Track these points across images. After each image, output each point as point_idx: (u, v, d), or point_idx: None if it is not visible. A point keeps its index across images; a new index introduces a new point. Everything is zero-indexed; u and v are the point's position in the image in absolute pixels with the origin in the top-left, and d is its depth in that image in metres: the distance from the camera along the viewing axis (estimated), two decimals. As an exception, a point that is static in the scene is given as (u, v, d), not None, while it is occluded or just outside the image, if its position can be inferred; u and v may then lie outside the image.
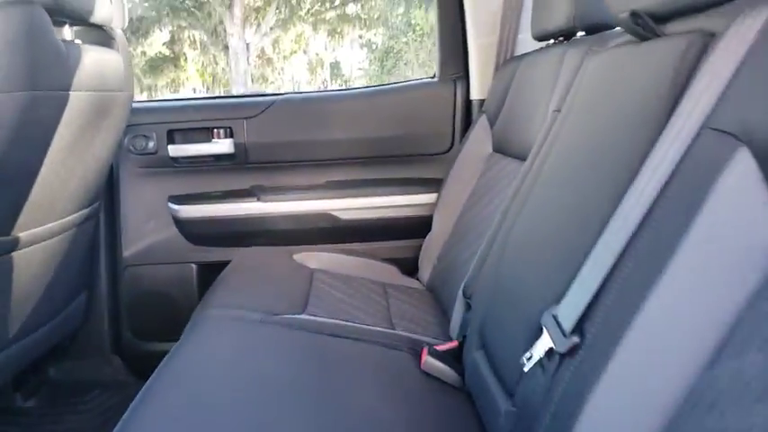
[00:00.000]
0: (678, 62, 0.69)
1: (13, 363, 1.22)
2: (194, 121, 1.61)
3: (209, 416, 0.75)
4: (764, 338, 0.46)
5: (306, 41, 16.20)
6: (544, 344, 0.69)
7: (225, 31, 15.48)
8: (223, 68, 17.48)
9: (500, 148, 1.38)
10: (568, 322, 0.66)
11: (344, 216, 1.63)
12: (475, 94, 1.63)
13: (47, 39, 1.03)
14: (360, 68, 16.00)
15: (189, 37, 16.97)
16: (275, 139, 1.63)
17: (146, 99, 1.57)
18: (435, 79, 1.70)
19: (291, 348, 0.98)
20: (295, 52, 17.18)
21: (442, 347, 1.03)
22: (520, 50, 1.55)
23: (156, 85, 17.08)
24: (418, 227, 1.60)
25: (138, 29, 14.61)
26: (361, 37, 15.64)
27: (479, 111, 1.58)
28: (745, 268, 0.52)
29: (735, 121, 0.58)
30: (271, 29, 16.69)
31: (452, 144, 1.66)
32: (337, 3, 14.61)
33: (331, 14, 14.89)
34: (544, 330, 0.70)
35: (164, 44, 16.98)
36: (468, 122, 1.64)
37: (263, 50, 16.74)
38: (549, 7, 1.19)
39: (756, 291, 0.50)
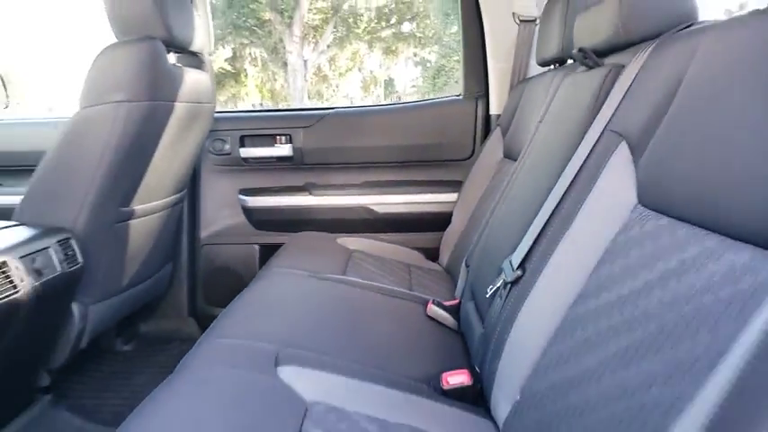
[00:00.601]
0: (599, 85, 1.01)
1: (118, 309, 1.62)
2: (261, 128, 2.01)
3: (267, 335, 1.09)
4: (606, 280, 0.76)
5: (361, 59, 16.67)
6: (501, 278, 1.02)
7: (284, 48, 16.19)
8: (282, 84, 18.24)
9: (508, 155, 1.70)
10: (516, 261, 0.99)
11: (380, 210, 1.98)
12: (493, 110, 1.96)
13: (162, 63, 1.44)
14: (413, 86, 16.36)
15: (250, 54, 17.84)
16: (325, 145, 2.01)
17: (224, 110, 1.93)
18: (460, 97, 2.04)
19: (331, 296, 1.33)
20: (350, 69, 17.75)
21: (445, 302, 1.36)
22: (531, 74, 1.86)
23: (217, 100, 18.00)
24: (441, 221, 1.93)
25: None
26: (415, 55, 15.94)
27: (496, 124, 1.90)
28: (615, 219, 0.83)
29: (620, 124, 0.91)
30: (328, 47, 17.28)
31: (473, 152, 1.99)
32: (393, 21, 14.88)
33: (386, 33, 15.17)
34: (503, 268, 1.02)
35: (226, 60, 17.94)
36: (486, 134, 1.96)
37: (319, 68, 17.39)
38: (546, 39, 1.52)
39: (612, 238, 0.81)
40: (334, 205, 1.99)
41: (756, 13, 0.73)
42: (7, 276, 1.10)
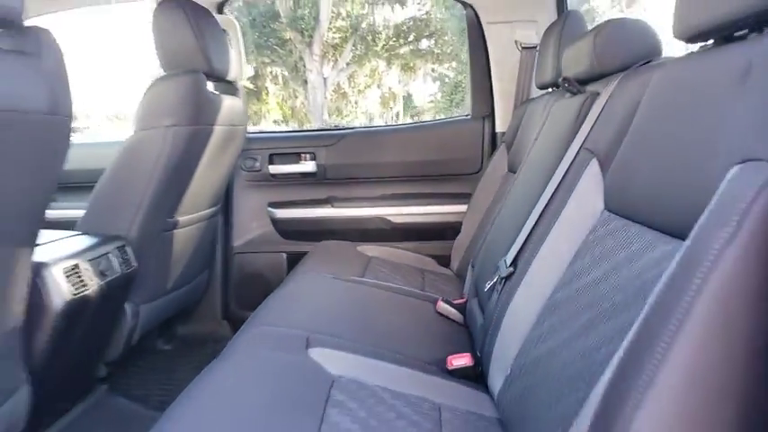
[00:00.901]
0: (577, 109, 1.20)
1: (163, 310, 1.82)
2: (288, 147, 2.22)
3: (298, 324, 1.28)
4: (577, 272, 0.94)
5: (380, 76, 16.92)
6: (497, 275, 1.20)
7: (304, 66, 16.52)
8: (302, 102, 18.58)
9: (511, 168, 1.88)
10: (509, 260, 1.17)
11: (395, 220, 2.17)
12: (499, 128, 2.15)
13: (203, 92, 1.66)
14: (431, 101, 16.57)
15: (271, 72, 18.24)
16: (346, 161, 2.21)
17: (255, 131, 2.15)
18: (469, 117, 2.23)
19: (352, 294, 1.52)
20: (369, 86, 18.03)
21: (453, 300, 1.54)
22: (533, 95, 2.05)
23: (242, 119, 18.41)
24: (452, 230, 2.11)
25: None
26: (433, 71, 16.14)
27: (501, 141, 2.09)
28: (586, 222, 1.01)
29: (592, 143, 1.09)
30: (347, 64, 17.56)
31: (481, 166, 2.17)
32: (411, 38, 15.07)
33: (405, 50, 15.35)
34: (499, 267, 1.20)
35: (248, 79, 18.32)
36: (493, 150, 2.15)
37: (338, 85, 17.70)
38: (543, 66, 1.70)
39: (584, 238, 0.99)
40: (353, 216, 2.19)
41: (691, 54, 0.91)
42: (79, 276, 1.31)
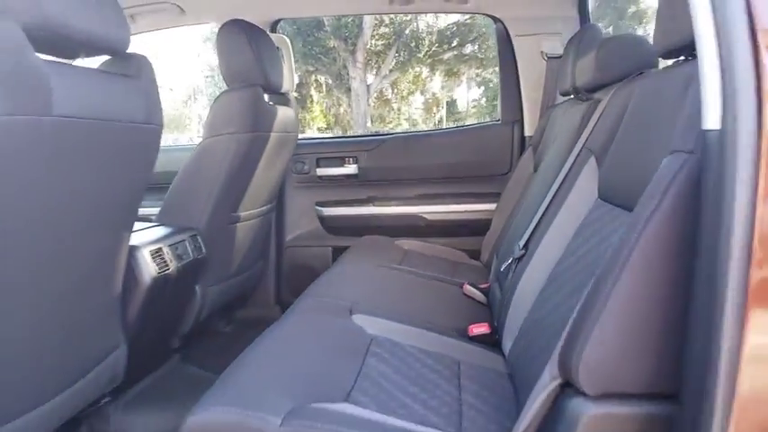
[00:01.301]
0: (582, 114, 1.42)
1: (226, 293, 2.11)
2: (333, 152, 2.49)
3: (343, 297, 1.54)
4: (572, 250, 1.16)
5: (423, 82, 17.09)
6: (512, 256, 1.42)
7: (348, 74, 16.86)
8: (345, 110, 18.93)
9: (536, 169, 2.09)
10: (522, 243, 1.40)
11: (430, 217, 2.41)
12: (527, 132, 2.36)
13: (261, 103, 1.94)
14: (474, 106, 16.64)
15: (315, 80, 18.69)
16: (385, 164, 2.47)
17: (304, 137, 2.42)
18: (499, 122, 2.45)
19: (389, 276, 1.77)
20: (412, 93, 18.24)
21: (479, 284, 1.76)
22: (558, 101, 2.25)
23: (286, 126, 18.97)
24: (482, 226, 2.33)
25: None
26: (477, 75, 16.20)
27: (528, 144, 2.30)
28: (583, 210, 1.23)
29: (592, 143, 1.31)
30: (390, 71, 17.78)
31: (510, 168, 2.39)
32: (455, 44, 15.14)
33: (448, 55, 15.45)
34: (514, 250, 1.43)
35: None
36: (521, 152, 2.36)
37: (381, 92, 17.97)
38: (563, 76, 1.91)
39: (581, 223, 1.21)
40: (392, 214, 2.44)
41: (665, 68, 1.12)
42: (162, 258, 1.61)
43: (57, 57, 1.12)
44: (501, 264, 1.60)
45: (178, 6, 2.24)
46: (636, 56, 1.37)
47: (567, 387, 0.86)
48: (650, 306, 0.77)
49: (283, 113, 2.09)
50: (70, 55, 1.18)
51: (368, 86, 18.03)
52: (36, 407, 1.14)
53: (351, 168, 2.48)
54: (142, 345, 1.61)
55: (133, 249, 1.52)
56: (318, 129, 18.15)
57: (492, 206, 2.35)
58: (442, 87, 17.57)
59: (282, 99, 2.21)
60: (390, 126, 17.79)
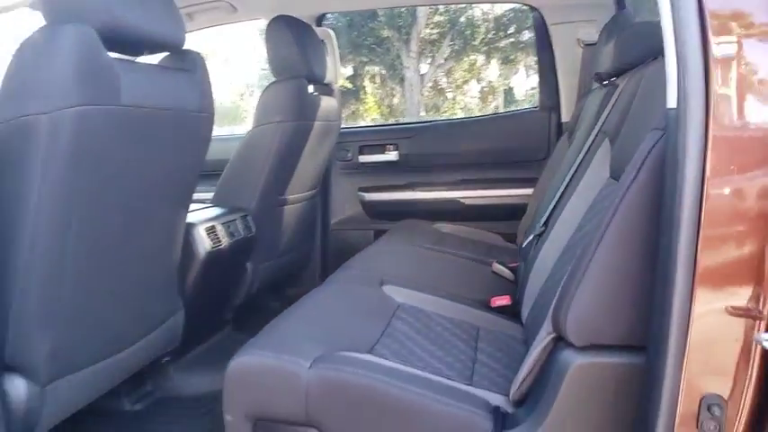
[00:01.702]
0: (601, 99, 1.52)
1: (275, 271, 2.31)
2: (375, 140, 2.65)
3: (376, 270, 1.69)
4: (582, 225, 1.28)
5: (478, 70, 16.94)
6: (533, 233, 1.54)
7: (401, 64, 16.91)
8: (399, 100, 18.97)
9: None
10: (542, 221, 1.52)
11: (468, 202, 2.54)
12: (564, 118, 2.44)
13: (305, 94, 2.12)
14: (531, 94, 16.38)
15: (369, 71, 18.84)
16: (425, 151, 2.61)
17: (346, 126, 2.59)
18: (537, 108, 2.54)
19: (421, 254, 1.92)
20: (467, 81, 18.12)
21: (508, 263, 1.88)
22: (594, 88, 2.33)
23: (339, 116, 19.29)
24: (519, 210, 2.43)
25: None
26: (536, 63, 15.89)
27: (565, 129, 2.38)
28: (596, 188, 1.33)
29: (607, 126, 1.41)
30: (445, 60, 17.71)
31: (547, 154, 2.48)
32: (512, 31, 14.92)
33: (505, 42, 15.23)
34: (536, 227, 1.55)
35: (347, 78, 19.06)
36: (558, 138, 2.45)
37: (435, 82, 17.94)
38: (596, 62, 2.00)
39: (593, 199, 1.32)
40: (431, 199, 2.58)
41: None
42: (216, 235, 1.81)
43: (124, 54, 1.32)
44: (526, 241, 1.71)
45: (230, 4, 2.44)
46: (652, 42, 1.46)
47: (559, 341, 0.99)
48: (626, 268, 0.89)
49: (326, 103, 2.26)
50: (136, 53, 1.38)
51: (421, 76, 18.00)
52: (111, 355, 1.36)
53: (392, 155, 2.63)
54: (198, 313, 1.82)
55: (190, 226, 1.73)
56: (372, 120, 18.31)
57: (529, 191, 2.45)
58: (499, 75, 17.36)
59: (326, 89, 2.39)
60: (445, 116, 17.77)
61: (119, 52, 1.30)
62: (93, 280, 1.26)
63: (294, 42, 2.05)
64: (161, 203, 1.45)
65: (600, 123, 1.46)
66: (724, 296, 0.75)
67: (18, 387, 1.14)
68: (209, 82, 1.54)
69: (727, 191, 0.74)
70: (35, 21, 1.25)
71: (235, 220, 1.95)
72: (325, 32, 2.53)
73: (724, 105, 0.74)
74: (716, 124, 0.73)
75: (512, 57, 15.49)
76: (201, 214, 1.86)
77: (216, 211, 1.95)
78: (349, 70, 20.20)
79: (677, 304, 0.76)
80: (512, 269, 1.86)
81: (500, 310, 1.54)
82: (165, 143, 1.38)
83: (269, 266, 2.21)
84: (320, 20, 2.61)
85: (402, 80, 18.01)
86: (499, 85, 17.63)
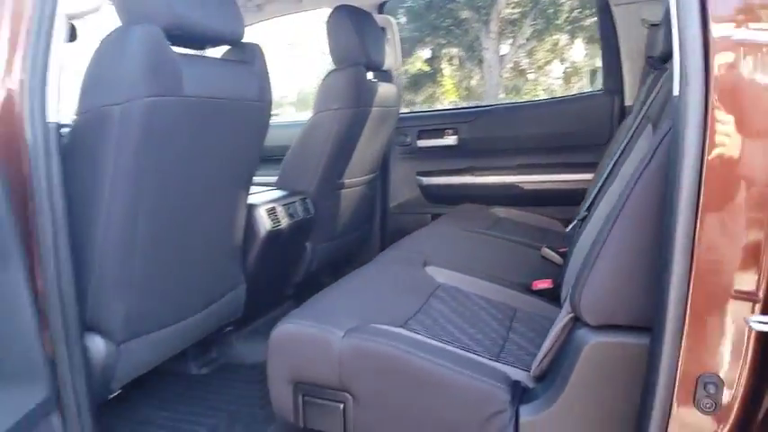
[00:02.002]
0: (649, 84, 1.52)
1: (333, 252, 2.44)
2: (434, 125, 2.72)
3: (421, 252, 1.78)
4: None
5: (562, 50, 16.40)
6: (578, 217, 1.58)
7: (480, 45, 16.66)
8: (477, 82, 18.69)
9: (629, 138, 2.16)
10: (586, 205, 1.54)
11: (527, 186, 2.56)
12: (627, 102, 2.41)
13: (363, 81, 2.22)
14: (619, 74, 15.65)
15: (447, 53, 18.68)
16: (483, 135, 2.64)
17: (405, 111, 2.65)
18: (601, 92, 2.51)
19: (470, 239, 1.98)
20: (549, 62, 17.58)
21: (559, 248, 1.91)
22: (659, 69, 2.28)
23: (414, 101, 19.33)
24: (579, 195, 2.42)
25: (402, 49, 16.81)
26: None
27: (628, 113, 2.35)
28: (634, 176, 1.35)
29: (651, 111, 1.42)
30: (526, 40, 17.22)
31: (610, 138, 2.45)
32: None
33: (591, 21, 14.69)
34: (581, 212, 1.58)
35: (425, 61, 19.00)
36: (621, 122, 2.41)
37: (516, 63, 17.53)
38: (650, 46, 1.97)
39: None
40: (489, 183, 2.62)
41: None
42: (276, 215, 1.96)
43: (188, 49, 1.47)
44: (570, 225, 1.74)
45: (296, -6, 2.58)
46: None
47: (577, 320, 1.04)
48: (638, 251, 0.93)
49: (385, 89, 2.35)
50: (199, 47, 1.53)
51: (501, 57, 17.61)
52: (178, 321, 1.54)
53: (451, 140, 2.68)
54: (259, 288, 1.98)
55: (251, 207, 1.88)
56: (450, 102, 18.18)
57: (590, 176, 2.44)
58: (585, 56, 16.73)
59: (385, 76, 2.48)
60: (526, 98, 17.37)
61: (183, 47, 1.45)
62: (160, 254, 1.43)
63: (354, 31, 2.15)
64: (222, 185, 1.61)
65: (645, 108, 1.46)
66: (721, 279, 0.78)
67: (98, 344, 1.33)
68: (266, 72, 1.67)
69: (726, 175, 0.77)
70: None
71: (294, 202, 2.09)
72: (386, 20, 2.61)
73: (724, 93, 0.76)
74: (715, 110, 0.76)
75: (597, 36, 14.84)
76: (263, 196, 2.01)
77: (277, 193, 2.10)
78: (427, 53, 20.05)
79: (675, 285, 0.80)
80: (561, 254, 1.89)
81: (541, 293, 1.59)
82: (225, 130, 1.53)
83: (327, 247, 2.35)
84: (382, 7, 2.69)
85: (481, 62, 17.71)
86: (584, 66, 16.99)
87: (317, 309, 1.30)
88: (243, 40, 1.59)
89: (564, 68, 17.63)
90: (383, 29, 2.53)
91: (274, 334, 1.22)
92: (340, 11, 2.18)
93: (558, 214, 2.50)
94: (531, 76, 18.90)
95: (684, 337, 0.80)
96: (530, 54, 18.24)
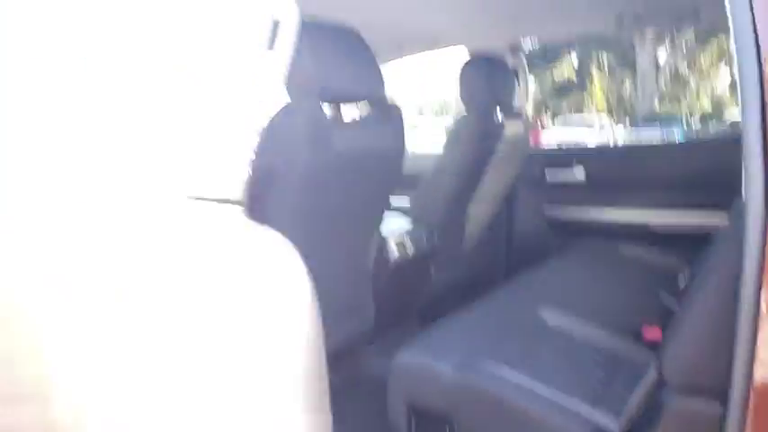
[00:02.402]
0: None
1: (457, 279, 2.65)
2: (563, 160, 2.83)
3: (533, 288, 1.93)
4: None
5: (729, 55, 15.18)
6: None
7: (634, 50, 15.86)
8: (629, 91, 17.80)
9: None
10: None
11: (657, 225, 2.59)
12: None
13: (491, 124, 2.41)
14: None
15: (597, 60, 18.00)
16: (613, 172, 2.71)
17: (533, 150, 2.80)
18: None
19: (592, 278, 2.09)
20: (714, 66, 16.33)
21: (676, 296, 1.96)
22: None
23: (561, 107, 18.86)
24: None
25: (545, 55, 16.38)
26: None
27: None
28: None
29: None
30: (687, 43, 16.13)
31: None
32: None
33: None
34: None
35: (573, 69, 18.49)
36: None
37: (675, 69, 16.47)
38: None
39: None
40: (617, 220, 2.68)
41: None
42: (403, 246, 2.22)
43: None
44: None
45: (433, 36, 2.83)
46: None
47: (662, 379, 1.17)
48: (721, 318, 1.04)
49: (512, 128, 2.53)
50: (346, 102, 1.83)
51: (657, 62, 16.66)
52: None
53: (579, 175, 2.78)
54: (387, 310, 2.24)
55: (382, 239, 2.16)
56: (597, 110, 17.56)
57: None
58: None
59: (513, 115, 2.65)
60: (686, 104, 16.28)
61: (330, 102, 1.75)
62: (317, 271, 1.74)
63: (485, 81, 2.36)
64: (356, 222, 1.89)
65: None
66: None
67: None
68: (402, 125, 1.92)
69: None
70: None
71: (421, 233, 2.34)
72: (519, 63, 2.78)
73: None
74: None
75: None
76: (393, 227, 2.28)
77: (405, 224, 2.36)
78: (574, 59, 19.37)
79: (741, 350, 0.91)
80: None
81: (650, 342, 1.68)
82: (366, 176, 1.81)
83: (451, 276, 2.57)
84: (515, 47, 2.85)
85: (634, 68, 16.86)
86: (758, 71, 15.52)
87: (433, 340, 1.52)
88: (383, 96, 1.86)
89: (731, 74, 16.31)
90: (514, 72, 2.70)
91: (394, 362, 1.47)
92: (473, 66, 2.39)
93: (689, 256, 2.50)
94: (692, 84, 17.62)
95: (751, 405, 0.91)
96: (691, 59, 17.01)
